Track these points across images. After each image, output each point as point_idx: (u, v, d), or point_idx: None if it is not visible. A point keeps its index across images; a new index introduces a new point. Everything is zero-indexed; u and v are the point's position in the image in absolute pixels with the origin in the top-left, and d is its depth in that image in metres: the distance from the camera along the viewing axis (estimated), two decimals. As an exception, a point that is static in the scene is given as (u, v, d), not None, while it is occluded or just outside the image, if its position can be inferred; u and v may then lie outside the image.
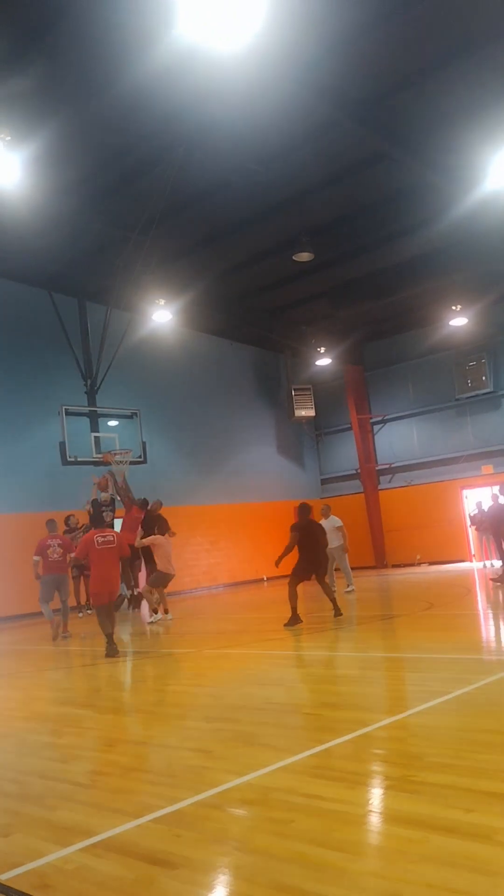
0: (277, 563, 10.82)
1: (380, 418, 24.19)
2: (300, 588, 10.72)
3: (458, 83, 11.24)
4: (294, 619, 10.27)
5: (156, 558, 12.26)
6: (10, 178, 11.02)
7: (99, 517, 9.92)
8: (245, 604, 16.25)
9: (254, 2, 7.93)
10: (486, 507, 17.80)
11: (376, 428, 24.38)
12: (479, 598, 12.45)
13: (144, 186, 13.29)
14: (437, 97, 11.53)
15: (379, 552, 23.27)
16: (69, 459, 16.04)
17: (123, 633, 11.56)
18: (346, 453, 24.89)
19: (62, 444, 16.04)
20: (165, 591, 13.23)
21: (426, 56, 10.72)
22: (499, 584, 13.12)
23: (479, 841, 2.88)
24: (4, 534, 16.04)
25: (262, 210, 14.91)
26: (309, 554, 10.65)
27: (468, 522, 21.18)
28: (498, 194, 12.97)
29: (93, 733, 5.55)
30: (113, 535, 9.66)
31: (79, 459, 16.23)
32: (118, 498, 14.93)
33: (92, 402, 17.24)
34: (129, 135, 11.96)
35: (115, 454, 16.50)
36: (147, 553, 13.32)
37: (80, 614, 13.30)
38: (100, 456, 16.45)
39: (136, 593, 13.91)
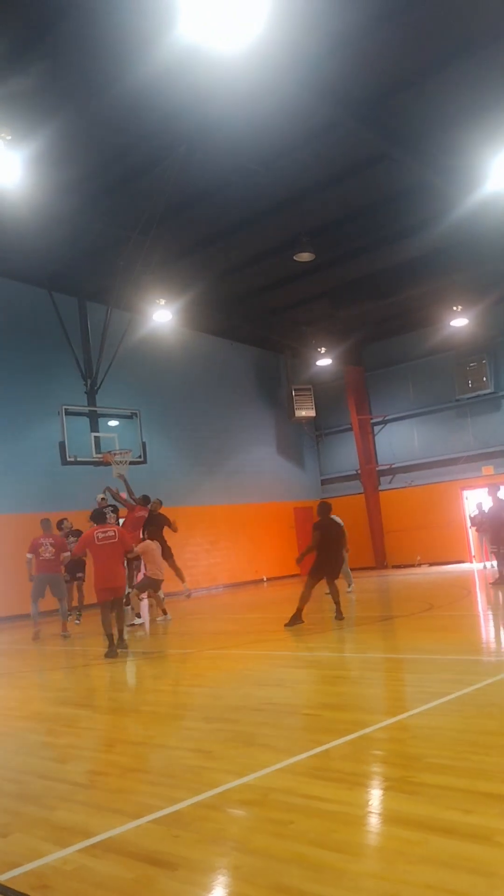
0: (299, 561, 11.02)
1: (380, 419, 24.19)
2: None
3: (459, 84, 11.23)
4: (296, 619, 10.24)
5: (145, 562, 12.24)
6: (11, 178, 11.01)
7: (101, 514, 9.86)
8: (244, 604, 16.25)
9: (255, 2, 7.92)
10: (486, 507, 17.80)
11: (377, 428, 24.38)
12: (479, 600, 12.45)
13: (145, 186, 13.29)
14: (438, 98, 11.53)
15: (379, 553, 23.26)
16: (69, 459, 16.03)
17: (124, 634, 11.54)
18: (346, 454, 24.89)
19: (62, 444, 16.03)
20: (163, 591, 13.27)
21: (427, 56, 10.72)
22: (498, 585, 13.13)
23: (479, 842, 2.88)
24: (4, 533, 16.03)
25: (262, 210, 14.91)
26: (324, 554, 10.52)
27: (468, 523, 21.18)
28: (499, 195, 12.96)
29: (92, 733, 5.55)
30: (114, 531, 9.54)
31: (78, 459, 16.22)
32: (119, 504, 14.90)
33: (92, 401, 17.23)
34: (130, 134, 11.95)
35: (114, 454, 16.49)
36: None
37: (77, 621, 13.29)
38: (99, 456, 16.44)
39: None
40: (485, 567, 18.41)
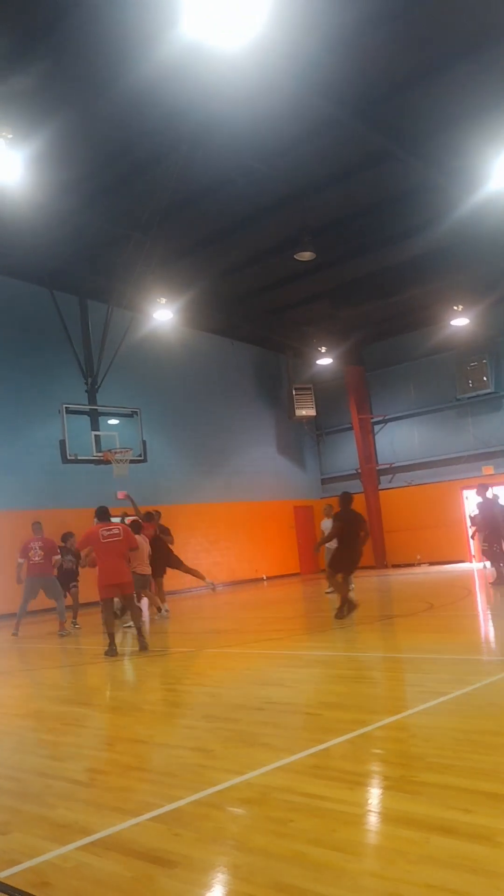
0: (316, 550, 10.86)
1: (380, 418, 24.19)
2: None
3: (462, 84, 11.22)
4: (349, 607, 10.00)
5: (131, 558, 12.23)
6: (12, 176, 11.01)
7: (105, 512, 9.85)
8: (245, 603, 16.25)
9: (256, 1, 7.91)
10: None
11: (377, 428, 24.38)
12: (478, 599, 12.45)
13: (146, 185, 13.28)
14: (441, 97, 11.52)
15: (379, 552, 23.26)
16: (69, 458, 16.03)
17: (126, 633, 11.54)
18: (346, 453, 24.89)
19: (62, 443, 16.04)
20: (164, 588, 13.33)
21: (430, 56, 10.71)
22: (498, 585, 13.13)
23: (479, 842, 2.87)
24: (4, 531, 16.03)
25: (264, 209, 14.90)
26: (344, 546, 10.34)
27: (468, 523, 21.16)
28: (501, 195, 12.97)
29: (92, 732, 5.54)
30: (119, 528, 9.50)
31: (79, 458, 16.22)
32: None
33: (92, 400, 17.24)
34: (131, 133, 11.95)
35: (115, 453, 16.49)
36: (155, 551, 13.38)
37: (76, 624, 13.30)
38: (100, 454, 16.44)
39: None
40: (484, 567, 18.40)
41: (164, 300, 17.28)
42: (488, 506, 13.59)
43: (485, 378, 21.57)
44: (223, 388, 22.78)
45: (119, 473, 16.65)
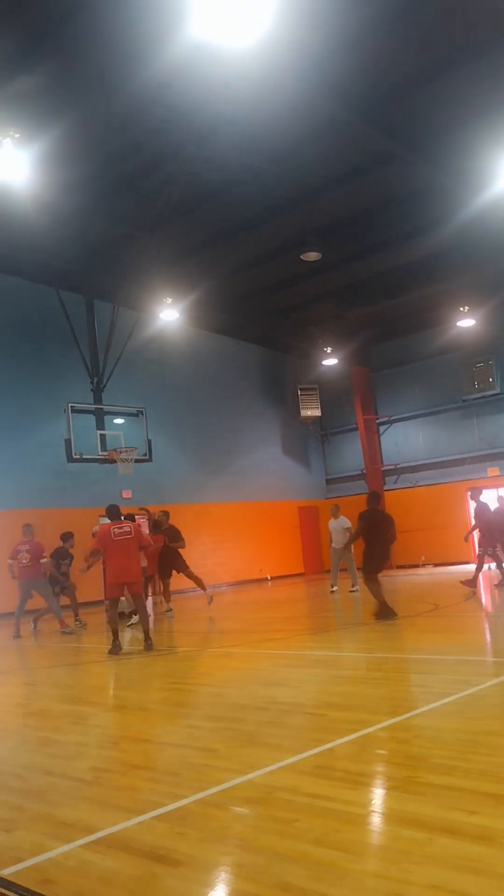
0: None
1: (386, 419, 24.16)
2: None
3: (468, 84, 11.20)
4: (386, 613, 9.83)
5: None
6: (19, 176, 11.02)
7: (115, 510, 9.89)
8: (249, 603, 16.26)
9: (263, 0, 7.91)
10: (492, 508, 17.74)
11: (382, 429, 24.35)
12: (483, 600, 12.42)
13: (153, 184, 13.29)
14: (447, 98, 11.49)
15: (383, 553, 23.20)
16: (75, 457, 16.06)
17: (132, 632, 11.56)
18: (351, 454, 24.86)
19: (68, 442, 16.05)
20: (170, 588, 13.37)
21: (437, 57, 10.68)
22: (502, 586, 13.09)
23: (483, 843, 2.87)
24: (10, 529, 16.06)
25: (270, 209, 14.89)
26: (372, 545, 10.12)
27: (472, 523, 21.09)
28: (507, 196, 12.94)
29: (96, 731, 5.55)
30: (129, 526, 9.55)
31: (84, 457, 16.24)
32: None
33: (98, 399, 17.26)
34: (138, 133, 11.95)
35: (120, 452, 16.51)
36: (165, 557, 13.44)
37: (80, 623, 13.33)
38: (105, 454, 16.46)
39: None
40: (489, 569, 18.35)
41: (169, 300, 17.29)
42: (483, 510, 13.68)
43: (490, 379, 21.54)
44: (228, 387, 22.79)
45: (124, 472, 16.67)
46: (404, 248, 16.91)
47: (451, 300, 19.56)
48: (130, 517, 13.19)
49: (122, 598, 12.05)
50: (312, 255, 15.77)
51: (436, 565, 21.92)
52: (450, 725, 4.64)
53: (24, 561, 12.00)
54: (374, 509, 10.37)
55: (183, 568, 13.58)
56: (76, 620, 12.81)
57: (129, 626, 11.77)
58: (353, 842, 3.01)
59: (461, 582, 13.56)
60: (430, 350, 22.44)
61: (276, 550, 23.23)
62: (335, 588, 15.72)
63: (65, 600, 13.10)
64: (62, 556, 12.95)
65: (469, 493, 14.01)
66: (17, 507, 16.50)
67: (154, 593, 14.54)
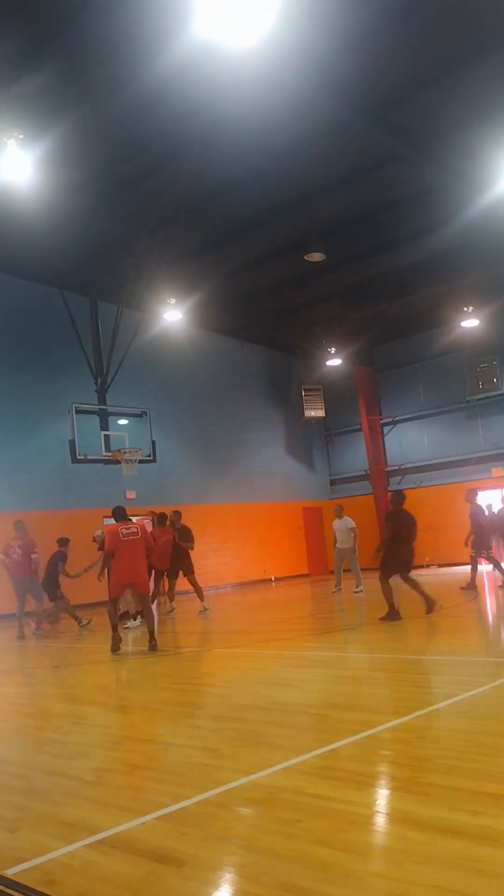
0: (375, 556, 10.27)
1: (390, 419, 24.14)
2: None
3: (471, 85, 11.19)
4: (392, 615, 9.79)
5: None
6: (23, 177, 11.03)
7: (121, 511, 9.94)
8: (253, 604, 16.26)
9: (267, 1, 7.91)
10: (495, 509, 17.75)
11: (386, 429, 24.34)
12: (487, 601, 12.40)
13: (156, 185, 13.30)
14: (451, 98, 11.49)
15: (388, 554, 23.18)
16: (79, 457, 16.08)
17: (136, 631, 11.57)
18: (355, 454, 24.85)
19: (72, 443, 16.08)
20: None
21: (441, 57, 10.68)
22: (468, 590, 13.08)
23: (487, 843, 2.87)
24: (12, 530, 16.07)
25: (273, 209, 14.90)
26: (397, 546, 9.95)
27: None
28: (510, 196, 12.91)
29: (99, 731, 5.56)
30: (136, 527, 9.65)
31: (88, 458, 16.26)
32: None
33: (102, 400, 17.27)
34: (142, 133, 11.96)
35: (124, 453, 16.53)
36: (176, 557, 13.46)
37: (82, 623, 13.33)
38: (109, 454, 16.48)
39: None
40: (493, 570, 18.31)
41: (173, 300, 17.30)
42: (477, 512, 13.65)
43: (495, 379, 21.52)
44: (232, 388, 22.80)
45: (128, 473, 16.68)
46: (408, 248, 16.90)
47: (455, 300, 19.54)
48: (163, 519, 13.27)
49: (126, 600, 12.11)
50: (316, 256, 15.75)
51: (440, 566, 21.88)
52: (453, 726, 4.64)
53: (15, 557, 12.10)
54: (401, 508, 10.17)
55: (189, 572, 13.59)
56: (78, 622, 12.80)
57: (125, 627, 11.76)
58: (356, 842, 3.01)
59: (461, 588, 13.52)
60: (435, 350, 22.42)
61: (280, 551, 23.22)
62: (339, 587, 15.73)
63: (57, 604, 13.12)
64: (61, 558, 12.98)
65: (465, 494, 13.94)
66: (21, 508, 16.50)
67: (160, 592, 14.55)
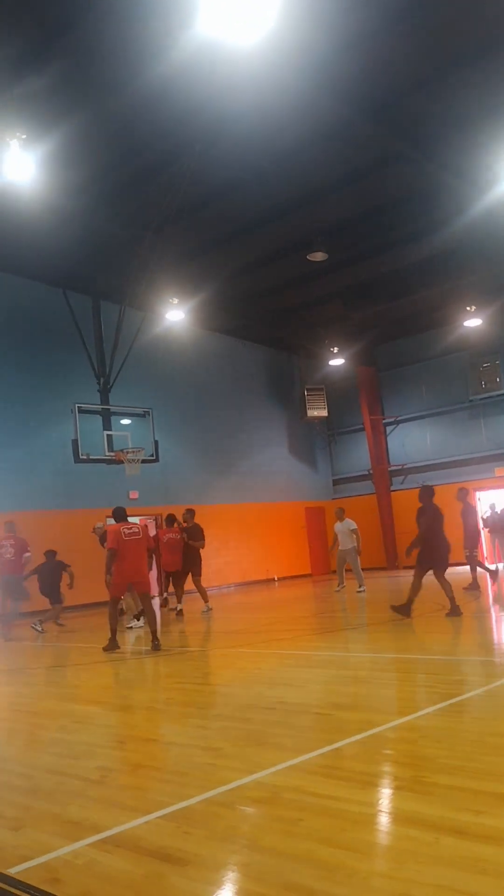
0: (408, 553, 10.14)
1: (392, 419, 24.13)
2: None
3: (474, 84, 11.18)
4: (404, 609, 9.71)
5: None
6: (26, 177, 11.05)
7: (122, 512, 9.98)
8: (256, 604, 16.26)
9: (268, 1, 7.91)
10: (498, 509, 17.76)
11: (389, 429, 24.32)
12: (490, 601, 12.39)
13: (159, 185, 13.30)
14: (452, 98, 11.48)
15: (391, 554, 23.21)
16: (82, 457, 16.10)
17: (139, 631, 11.58)
18: (358, 454, 24.84)
19: (75, 442, 16.10)
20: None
21: (442, 57, 10.67)
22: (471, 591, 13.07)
23: (490, 843, 2.87)
24: (17, 530, 16.09)
25: (276, 209, 14.89)
26: (431, 542, 9.86)
27: (481, 525, 21.03)
28: (513, 195, 12.91)
29: (103, 730, 5.56)
30: (138, 527, 9.69)
31: (91, 457, 16.28)
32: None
33: (105, 400, 17.30)
34: (145, 133, 11.97)
35: (127, 452, 16.54)
36: (189, 557, 13.48)
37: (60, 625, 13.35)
38: (112, 454, 16.50)
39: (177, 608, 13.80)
40: (497, 569, 18.31)
41: (176, 300, 17.31)
42: (469, 512, 13.65)
43: (498, 379, 21.51)
44: (235, 388, 22.80)
45: (131, 473, 16.70)
46: (411, 247, 16.89)
47: (457, 300, 19.53)
48: (171, 519, 13.32)
49: (127, 603, 12.13)
50: (319, 256, 15.75)
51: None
52: (457, 726, 4.63)
53: (7, 555, 12.10)
54: (432, 504, 10.09)
55: (196, 574, 13.61)
56: (38, 624, 12.75)
57: (128, 627, 11.79)
58: (359, 842, 3.01)
59: (464, 589, 13.51)
60: (437, 350, 22.41)
61: (282, 551, 23.23)
62: (343, 585, 15.73)
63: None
64: (65, 568, 13.03)
65: (457, 493, 13.90)
66: (23, 508, 16.53)
67: (169, 591, 14.59)
